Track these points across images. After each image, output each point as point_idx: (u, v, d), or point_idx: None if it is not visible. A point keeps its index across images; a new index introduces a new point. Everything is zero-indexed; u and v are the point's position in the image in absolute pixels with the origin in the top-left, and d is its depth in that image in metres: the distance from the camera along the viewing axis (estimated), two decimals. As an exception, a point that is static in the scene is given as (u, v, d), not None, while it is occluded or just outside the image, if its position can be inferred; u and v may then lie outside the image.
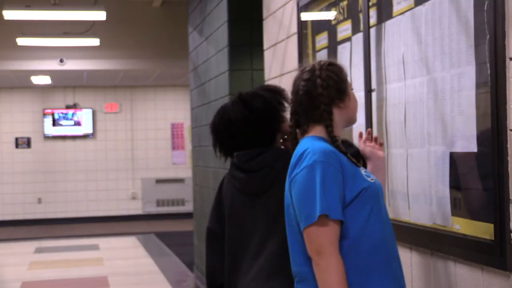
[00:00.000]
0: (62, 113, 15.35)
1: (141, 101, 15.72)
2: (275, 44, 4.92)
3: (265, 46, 5.18)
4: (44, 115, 15.28)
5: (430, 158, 2.88)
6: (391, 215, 2.77)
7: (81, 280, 8.72)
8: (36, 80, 13.45)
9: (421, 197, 2.95)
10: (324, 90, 2.40)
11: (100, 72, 12.51)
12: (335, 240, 2.27)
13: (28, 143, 15.28)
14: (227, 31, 6.46)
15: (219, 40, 6.78)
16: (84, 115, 15.44)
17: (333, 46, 3.86)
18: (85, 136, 15.47)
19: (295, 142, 2.49)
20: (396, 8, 3.14)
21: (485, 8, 2.47)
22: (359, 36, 3.48)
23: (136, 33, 10.78)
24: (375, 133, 3.33)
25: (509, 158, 2.39)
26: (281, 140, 3.00)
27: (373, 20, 3.35)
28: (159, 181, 15.63)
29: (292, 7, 4.47)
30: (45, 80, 13.49)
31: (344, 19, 3.69)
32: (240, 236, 2.90)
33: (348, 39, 3.64)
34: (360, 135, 2.79)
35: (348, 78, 2.54)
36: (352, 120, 2.53)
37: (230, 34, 6.45)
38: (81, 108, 15.42)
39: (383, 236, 2.36)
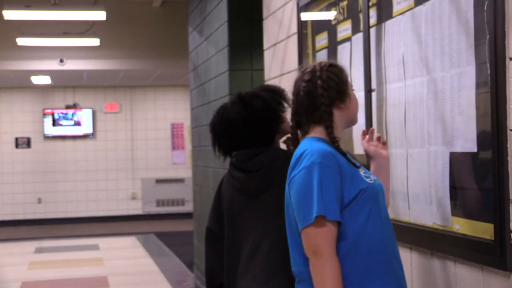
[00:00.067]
0: (62, 113, 15.36)
1: (141, 101, 15.72)
2: (275, 44, 4.92)
3: (265, 46, 5.18)
4: (44, 115, 15.28)
5: (430, 158, 2.87)
6: (391, 215, 2.77)
7: (81, 280, 8.72)
8: (36, 80, 13.45)
9: (421, 197, 2.95)
10: (324, 91, 2.41)
11: (100, 72, 12.51)
12: (332, 241, 2.28)
13: (28, 143, 15.28)
14: (227, 31, 6.46)
15: (219, 40, 6.78)
16: (84, 115, 15.44)
17: (333, 46, 3.86)
18: (85, 136, 15.47)
19: (296, 143, 2.51)
20: (396, 8, 3.14)
21: (485, 8, 2.47)
22: (359, 36, 3.48)
23: (136, 33, 10.78)
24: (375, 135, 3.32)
25: (509, 158, 2.39)
26: (281, 140, 3.00)
27: (373, 20, 3.34)
28: (159, 181, 15.63)
29: (292, 7, 4.47)
30: (45, 80, 13.49)
31: (344, 19, 3.69)
32: (238, 236, 2.90)
33: (348, 39, 3.64)
34: (364, 133, 2.78)
35: (349, 79, 2.54)
36: (352, 121, 2.54)
37: (230, 34, 6.45)
38: (81, 108, 15.42)
39: (383, 236, 2.36)
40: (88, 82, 14.74)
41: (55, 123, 15.31)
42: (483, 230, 2.53)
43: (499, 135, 2.41)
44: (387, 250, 2.36)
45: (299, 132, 2.53)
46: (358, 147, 3.50)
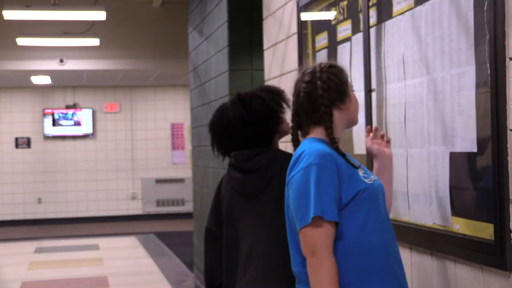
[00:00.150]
0: (62, 113, 15.36)
1: (141, 101, 15.72)
2: (275, 44, 4.92)
3: (265, 46, 5.18)
4: (44, 115, 15.28)
5: (430, 158, 2.87)
6: (391, 215, 2.77)
7: (81, 280, 8.72)
8: (36, 80, 13.45)
9: (421, 197, 2.95)
10: (324, 92, 2.42)
11: (100, 72, 12.51)
12: (329, 241, 2.29)
13: (28, 143, 15.28)
14: (227, 31, 6.46)
15: (219, 40, 6.78)
16: (84, 115, 15.44)
17: (333, 46, 3.86)
18: (85, 136, 15.47)
19: (297, 144, 2.52)
20: (396, 8, 3.14)
21: (485, 8, 2.47)
22: (359, 36, 3.48)
23: (136, 33, 10.77)
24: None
25: (509, 158, 2.39)
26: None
27: (373, 20, 3.34)
28: (159, 181, 15.63)
29: (292, 7, 4.47)
30: (45, 80, 13.49)
31: (344, 19, 3.69)
32: (236, 237, 2.91)
33: (348, 39, 3.64)
34: (368, 130, 2.78)
35: (349, 80, 2.55)
36: (353, 122, 2.54)
37: (230, 34, 6.45)
38: (81, 108, 15.42)
39: (382, 237, 2.36)
40: (88, 82, 14.74)
41: (55, 123, 15.31)
42: (483, 230, 2.52)
43: (499, 135, 2.41)
44: (386, 250, 2.37)
45: (299, 133, 2.53)
46: (358, 147, 3.50)
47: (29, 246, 11.89)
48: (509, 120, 2.38)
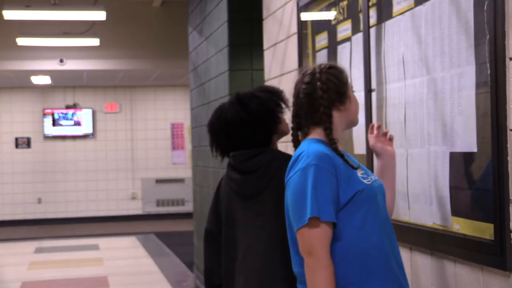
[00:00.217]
0: (62, 113, 15.36)
1: (141, 101, 15.72)
2: (275, 44, 4.92)
3: (265, 46, 5.18)
4: (44, 115, 15.28)
5: (430, 158, 2.88)
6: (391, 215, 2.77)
7: (81, 280, 8.72)
8: (36, 80, 13.45)
9: (421, 197, 2.95)
10: (324, 93, 2.43)
11: (100, 72, 12.51)
12: (326, 241, 2.30)
13: (28, 143, 15.29)
14: (227, 31, 6.46)
15: (219, 40, 6.78)
16: (84, 115, 15.44)
17: (333, 46, 3.86)
18: (85, 136, 15.48)
19: (297, 145, 2.53)
20: (396, 8, 3.14)
21: (485, 8, 2.47)
22: (359, 36, 3.48)
23: (136, 33, 10.77)
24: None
25: (509, 158, 2.39)
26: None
27: (373, 20, 3.34)
28: (159, 181, 15.63)
29: (292, 7, 4.47)
30: (45, 80, 13.50)
31: (344, 19, 3.69)
32: (235, 237, 2.92)
33: (348, 39, 3.64)
34: (372, 127, 2.78)
35: (349, 80, 2.55)
36: (353, 122, 2.55)
37: (230, 34, 6.45)
38: (81, 108, 15.42)
39: (381, 237, 2.37)
40: (88, 82, 14.74)
41: (55, 123, 15.31)
42: (483, 230, 2.53)
43: (499, 135, 2.41)
44: (385, 250, 2.37)
45: (299, 133, 2.54)
46: (358, 147, 3.50)
47: (29, 246, 11.89)
48: (509, 120, 2.38)
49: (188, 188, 14.18)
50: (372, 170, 3.25)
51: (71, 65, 11.20)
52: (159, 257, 10.51)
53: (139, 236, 12.85)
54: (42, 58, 11.05)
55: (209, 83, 7.36)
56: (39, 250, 11.48)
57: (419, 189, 2.96)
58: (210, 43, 7.24)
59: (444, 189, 2.77)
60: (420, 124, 2.95)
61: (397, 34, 3.13)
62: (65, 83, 14.69)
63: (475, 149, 2.58)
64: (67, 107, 15.39)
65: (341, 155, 2.40)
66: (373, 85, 3.36)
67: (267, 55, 5.15)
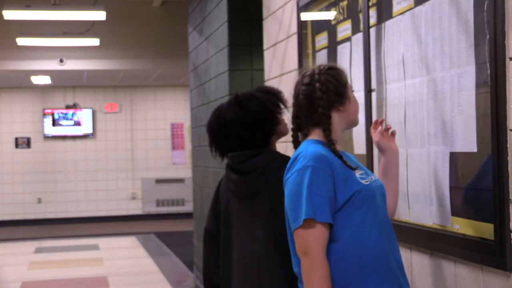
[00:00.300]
0: (62, 113, 15.36)
1: (141, 101, 15.72)
2: (275, 44, 4.92)
3: (265, 46, 5.18)
4: (44, 115, 15.28)
5: (430, 158, 2.88)
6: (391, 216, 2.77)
7: (81, 280, 8.72)
8: (36, 80, 13.45)
9: (421, 197, 2.95)
10: (323, 94, 2.44)
11: (100, 72, 12.51)
12: (322, 242, 2.31)
13: (28, 143, 15.29)
14: (227, 31, 6.46)
15: (219, 40, 6.78)
16: (84, 115, 15.44)
17: (333, 46, 3.86)
18: (85, 136, 15.48)
19: (297, 146, 2.55)
20: (396, 8, 3.14)
21: (485, 8, 2.47)
22: (359, 36, 3.47)
23: (136, 33, 10.77)
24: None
25: (509, 158, 2.39)
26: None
27: (373, 20, 3.34)
28: (159, 181, 15.63)
29: (292, 7, 4.47)
30: (45, 80, 13.49)
31: (344, 19, 3.68)
32: (232, 238, 2.92)
33: (348, 39, 3.64)
34: (376, 123, 2.78)
35: (349, 81, 2.55)
36: (353, 123, 2.56)
37: (230, 34, 6.45)
38: (81, 108, 15.42)
39: (380, 237, 2.38)
40: (88, 82, 14.74)
41: (55, 123, 15.31)
42: (483, 230, 2.53)
43: (499, 135, 2.41)
44: (385, 250, 2.38)
45: (300, 134, 2.55)
46: (358, 147, 3.51)
47: (29, 246, 11.89)
48: (509, 120, 2.38)
49: (188, 188, 14.18)
50: (372, 170, 3.25)
51: (71, 65, 11.20)
52: (159, 257, 10.51)
53: (139, 236, 12.85)
54: (42, 58, 11.05)
55: (209, 83, 7.36)
56: (39, 250, 11.48)
57: (419, 189, 2.96)
58: (210, 43, 7.24)
59: (444, 189, 2.77)
60: (420, 124, 2.95)
61: (397, 34, 3.13)
62: (65, 83, 14.69)
63: (475, 149, 2.58)
64: (67, 107, 15.39)
65: (340, 156, 2.41)
66: (373, 85, 3.36)
67: (267, 55, 5.15)
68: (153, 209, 15.67)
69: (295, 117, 2.54)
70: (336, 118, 2.47)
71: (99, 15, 8.53)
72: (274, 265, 2.77)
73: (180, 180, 15.61)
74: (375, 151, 3.33)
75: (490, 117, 2.45)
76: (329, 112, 2.45)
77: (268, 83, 5.05)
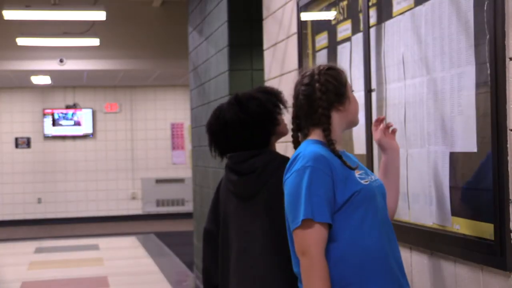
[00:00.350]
0: (62, 113, 15.36)
1: (141, 101, 15.72)
2: (275, 44, 4.92)
3: (265, 46, 5.18)
4: (44, 115, 15.28)
5: (430, 158, 2.88)
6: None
7: (81, 280, 8.72)
8: (36, 80, 13.45)
9: (421, 197, 2.95)
10: (322, 95, 2.44)
11: (100, 72, 12.51)
12: (321, 242, 2.31)
13: (28, 143, 15.29)
14: (227, 31, 6.46)
15: (219, 40, 6.78)
16: (84, 115, 15.44)
17: (333, 46, 3.86)
18: (85, 136, 15.48)
19: (297, 146, 2.55)
20: (396, 8, 3.14)
21: (485, 8, 2.47)
22: (359, 36, 3.48)
23: (136, 33, 10.77)
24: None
25: (509, 158, 2.39)
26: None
27: (373, 20, 3.34)
28: (159, 181, 15.63)
29: (292, 7, 4.47)
30: (45, 80, 13.49)
31: (344, 19, 3.68)
32: (230, 238, 2.93)
33: (348, 39, 3.64)
34: (377, 120, 2.78)
35: (348, 81, 2.56)
36: (353, 123, 2.56)
37: (230, 34, 6.45)
38: (81, 108, 15.43)
39: (379, 237, 2.38)
40: (88, 82, 14.74)
41: (55, 123, 15.32)
42: (483, 230, 2.52)
43: (499, 135, 2.41)
44: (385, 250, 2.38)
45: (300, 135, 2.55)
46: (358, 147, 3.50)
47: (29, 246, 11.89)
48: (509, 120, 2.38)
49: (188, 188, 14.18)
50: (372, 170, 3.25)
51: (71, 65, 11.20)
52: (159, 257, 10.51)
53: (139, 236, 12.85)
54: (42, 58, 11.05)
55: (209, 83, 7.36)
56: (39, 250, 11.48)
57: (419, 189, 2.96)
58: (210, 43, 7.24)
59: (444, 189, 2.77)
60: (420, 124, 2.95)
61: (397, 34, 3.13)
62: (65, 83, 14.69)
63: (475, 149, 2.58)
64: (67, 107, 15.39)
65: (339, 156, 2.41)
66: (373, 85, 3.36)
67: (267, 55, 5.15)
68: (153, 209, 15.67)
69: (295, 118, 2.55)
70: (336, 118, 2.48)
71: (99, 15, 8.53)
72: (273, 265, 2.77)
73: (180, 180, 15.61)
74: (375, 151, 3.33)
75: (490, 117, 2.45)
76: (328, 112, 2.45)
77: (268, 83, 5.05)
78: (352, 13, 3.58)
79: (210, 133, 2.99)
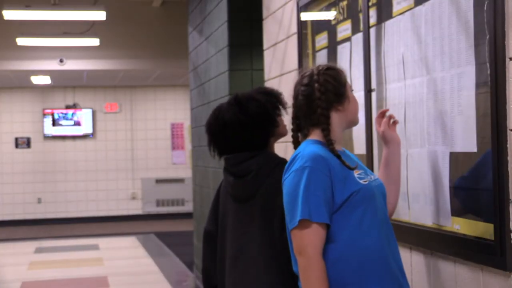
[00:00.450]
0: (62, 113, 15.36)
1: (141, 101, 15.72)
2: (275, 44, 4.92)
3: (265, 46, 5.18)
4: (44, 115, 15.28)
5: (430, 158, 2.88)
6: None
7: (81, 280, 8.72)
8: (36, 80, 13.44)
9: (421, 197, 2.95)
10: (322, 95, 2.45)
11: (100, 72, 12.50)
12: (318, 242, 2.32)
13: (28, 143, 15.28)
14: (227, 31, 6.46)
15: (219, 40, 6.78)
16: (84, 115, 15.44)
17: (333, 46, 3.86)
18: (85, 136, 15.48)
19: (297, 146, 2.55)
20: (396, 8, 3.14)
21: (485, 8, 2.47)
22: (359, 36, 3.47)
23: (136, 33, 10.77)
24: (375, 135, 3.33)
25: (509, 158, 2.39)
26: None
27: (373, 20, 3.34)
28: (159, 181, 15.63)
29: (292, 7, 4.47)
30: (45, 80, 13.49)
31: (344, 19, 3.68)
32: (227, 239, 2.94)
33: (348, 39, 3.64)
34: (381, 113, 2.78)
35: (348, 81, 2.56)
36: (353, 122, 2.56)
37: (230, 34, 6.45)
38: (81, 108, 15.43)
39: (379, 237, 2.38)
40: (88, 82, 14.74)
41: (55, 123, 15.31)
42: (483, 230, 2.52)
43: (499, 135, 2.41)
44: (384, 250, 2.38)
45: (300, 135, 2.56)
46: (358, 147, 3.50)
47: (29, 246, 11.89)
48: (509, 120, 2.38)
49: (188, 188, 14.18)
50: (372, 170, 3.25)
51: (71, 65, 11.20)
52: (159, 257, 10.51)
53: (139, 236, 12.85)
54: (42, 58, 11.05)
55: (209, 83, 7.36)
56: (39, 250, 11.48)
57: (419, 189, 2.96)
58: (210, 43, 7.24)
59: (444, 189, 2.77)
60: (420, 124, 2.95)
61: (397, 34, 3.13)
62: (65, 83, 14.69)
63: (475, 149, 2.58)
64: (67, 107, 15.39)
65: (338, 156, 2.41)
66: (373, 85, 3.36)
67: (267, 55, 5.15)
68: (153, 209, 15.67)
69: (294, 118, 2.55)
70: (336, 118, 2.48)
71: (99, 15, 8.53)
72: (270, 266, 2.78)
73: (180, 180, 15.61)
74: (375, 151, 3.33)
75: (490, 117, 2.45)
76: (328, 112, 2.46)
77: (268, 83, 5.05)
78: (352, 13, 3.58)
79: (209, 133, 3.00)
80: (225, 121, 2.90)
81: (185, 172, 15.35)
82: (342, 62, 3.67)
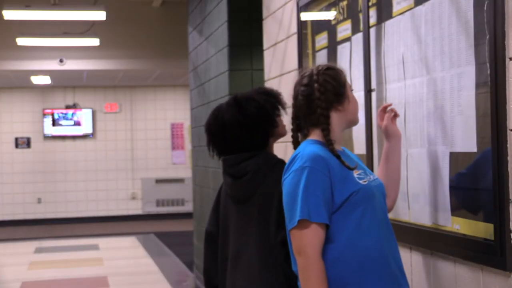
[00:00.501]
0: (62, 113, 15.36)
1: (141, 101, 15.72)
2: (275, 44, 4.92)
3: (265, 46, 5.18)
4: (44, 115, 15.28)
5: (430, 158, 2.88)
6: (391, 215, 2.77)
7: (81, 280, 8.72)
8: (36, 80, 13.44)
9: (421, 197, 2.95)
10: (321, 95, 2.45)
11: (100, 72, 12.51)
12: (317, 242, 2.32)
13: (28, 143, 15.28)
14: (227, 31, 6.46)
15: (219, 40, 6.78)
16: (84, 115, 15.44)
17: (333, 46, 3.86)
18: (85, 136, 15.48)
19: (297, 146, 2.56)
20: (396, 8, 3.14)
21: (485, 8, 2.47)
22: (359, 36, 3.47)
23: (136, 33, 10.77)
24: (375, 135, 3.33)
25: (509, 158, 2.39)
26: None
27: (373, 20, 3.34)
28: (159, 181, 15.63)
29: (292, 7, 4.47)
30: (45, 80, 13.49)
31: (344, 19, 3.68)
32: (227, 240, 2.94)
33: (348, 39, 3.64)
34: (385, 106, 2.78)
35: (348, 81, 2.56)
36: (353, 122, 2.56)
37: (230, 34, 6.45)
38: (81, 108, 15.42)
39: (378, 237, 2.38)
40: (88, 82, 14.74)
41: (55, 123, 15.31)
42: (483, 230, 2.52)
43: (499, 135, 2.41)
44: (384, 250, 2.38)
45: (300, 135, 2.56)
46: (358, 147, 3.50)
47: (29, 246, 11.89)
48: (509, 120, 2.38)
49: (188, 188, 14.18)
50: (372, 170, 3.25)
51: (71, 65, 11.20)
52: (159, 257, 10.51)
53: (139, 236, 12.85)
54: (42, 58, 11.05)
55: (209, 83, 7.36)
56: (39, 250, 11.48)
57: (419, 189, 2.96)
58: (210, 43, 7.24)
59: (444, 189, 2.77)
60: (420, 124, 2.95)
61: (397, 34, 3.13)
62: (65, 83, 14.69)
63: (475, 149, 2.58)
64: (67, 107, 15.39)
65: (338, 156, 2.41)
66: (373, 85, 3.36)
67: (267, 55, 5.15)
68: (153, 209, 15.67)
69: (294, 118, 2.55)
70: (335, 118, 2.48)
71: (99, 15, 8.53)
72: (268, 266, 2.78)
73: (180, 180, 15.61)
74: (375, 151, 3.33)
75: (490, 117, 2.45)
76: (327, 112, 2.46)
77: (268, 83, 5.05)
78: (352, 13, 3.58)
79: (208, 133, 3.00)
80: (224, 121, 2.90)
81: (185, 172, 15.35)
82: (342, 62, 3.67)
